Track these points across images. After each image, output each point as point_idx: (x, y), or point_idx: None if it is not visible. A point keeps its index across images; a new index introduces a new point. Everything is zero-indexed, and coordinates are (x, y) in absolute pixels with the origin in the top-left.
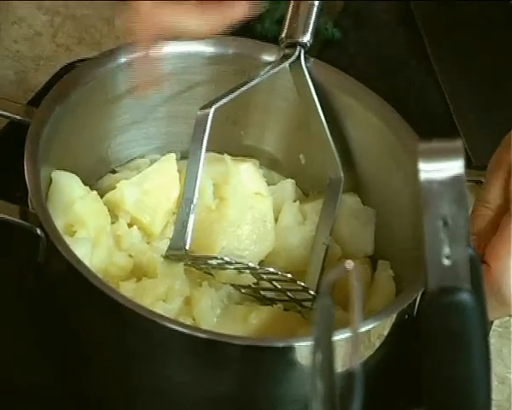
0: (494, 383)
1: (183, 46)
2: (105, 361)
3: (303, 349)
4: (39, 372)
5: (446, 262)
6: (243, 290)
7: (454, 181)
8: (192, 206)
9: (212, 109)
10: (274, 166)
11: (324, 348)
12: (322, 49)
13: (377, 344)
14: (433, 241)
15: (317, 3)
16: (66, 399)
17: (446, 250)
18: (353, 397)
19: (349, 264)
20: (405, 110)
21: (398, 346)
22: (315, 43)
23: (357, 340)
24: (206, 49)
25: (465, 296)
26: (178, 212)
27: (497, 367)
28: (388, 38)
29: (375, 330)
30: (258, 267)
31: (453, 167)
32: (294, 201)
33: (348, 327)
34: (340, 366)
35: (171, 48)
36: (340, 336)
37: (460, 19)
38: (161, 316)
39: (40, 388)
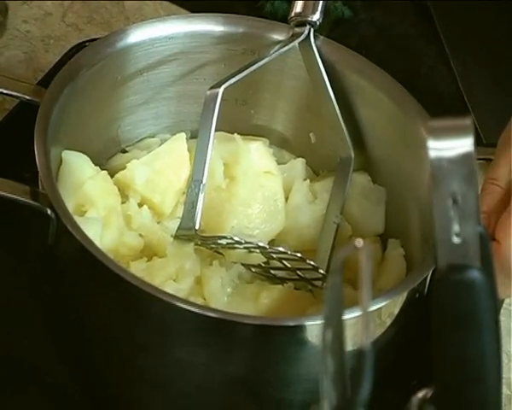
0: (504, 361)
1: (193, 25)
2: (115, 343)
3: (314, 328)
4: (47, 355)
5: (456, 240)
6: (253, 269)
7: (464, 159)
8: (201, 186)
9: (222, 89)
10: (284, 145)
11: (334, 326)
12: (332, 28)
13: (388, 323)
14: (443, 219)
15: None
16: (75, 382)
17: (456, 228)
18: (363, 376)
19: (359, 242)
20: (416, 89)
21: (410, 324)
22: (325, 22)
23: (366, 318)
24: (215, 28)
25: (475, 274)
26: (188, 192)
27: (506, 345)
28: (399, 17)
29: (386, 308)
30: (267, 247)
31: (463, 145)
32: (305, 179)
33: (358, 306)
34: (350, 345)
35: (180, 27)
36: (350, 315)
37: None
38: (171, 295)
39: (48, 371)
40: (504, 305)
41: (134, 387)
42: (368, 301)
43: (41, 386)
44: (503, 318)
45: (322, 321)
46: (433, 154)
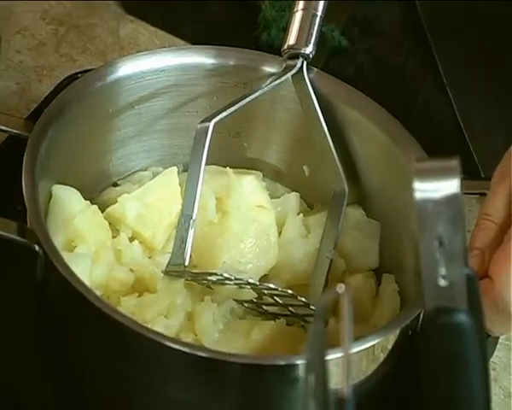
0: (500, 396)
1: (184, 58)
2: (105, 380)
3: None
4: (35, 391)
5: (442, 283)
6: (246, 305)
7: (450, 201)
8: (191, 221)
9: (212, 123)
10: (277, 177)
11: (317, 370)
12: (329, 58)
13: (381, 358)
14: (429, 261)
15: (320, 14)
16: None
17: (442, 271)
18: None
19: (340, 288)
20: (413, 119)
21: (403, 360)
22: (322, 52)
23: (347, 362)
24: (206, 60)
25: (462, 317)
26: (178, 227)
27: (503, 381)
28: (395, 47)
29: (379, 345)
30: (258, 283)
31: (449, 187)
32: (298, 213)
33: (339, 349)
34: (333, 387)
35: (172, 59)
36: (332, 357)
37: (468, 28)
38: (160, 335)
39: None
40: (501, 340)
41: None
42: (349, 343)
43: None
44: (500, 353)
45: (305, 366)
46: (419, 195)
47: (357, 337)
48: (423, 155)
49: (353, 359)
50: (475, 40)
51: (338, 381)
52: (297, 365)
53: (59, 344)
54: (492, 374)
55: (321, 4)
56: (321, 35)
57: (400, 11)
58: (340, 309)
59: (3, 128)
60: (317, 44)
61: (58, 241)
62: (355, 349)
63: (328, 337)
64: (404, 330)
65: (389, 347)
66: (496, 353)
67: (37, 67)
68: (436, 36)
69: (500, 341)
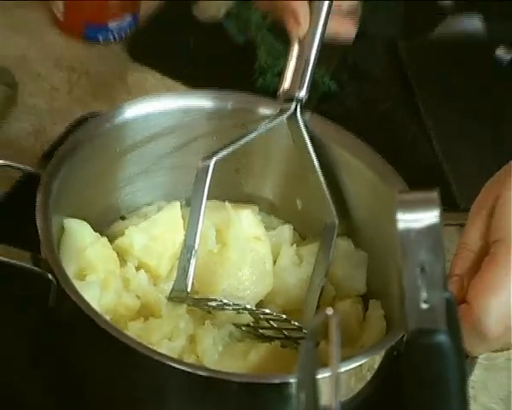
0: (477, 408)
1: (186, 101)
2: (113, 400)
3: None
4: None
5: (424, 306)
6: (243, 328)
7: (430, 230)
8: (193, 251)
9: (213, 161)
10: (272, 211)
11: (308, 388)
12: (320, 101)
13: (369, 377)
14: (412, 287)
15: (312, 61)
16: None
17: (424, 295)
18: None
19: (329, 311)
20: (398, 159)
21: (389, 379)
22: (313, 96)
23: (336, 380)
24: (206, 103)
25: (442, 338)
26: (180, 257)
27: (482, 398)
28: (382, 92)
29: (366, 364)
30: (254, 309)
31: (430, 217)
32: (292, 244)
33: (328, 368)
34: (322, 404)
35: (174, 103)
36: (322, 376)
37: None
38: (165, 356)
39: None
40: (479, 360)
41: None
42: (337, 363)
43: None
44: (478, 372)
45: (296, 384)
46: (401, 225)
47: (346, 357)
48: (406, 188)
49: (342, 377)
50: (457, 88)
51: (327, 398)
52: (290, 383)
53: (70, 368)
54: (472, 392)
55: (313, 52)
56: (313, 80)
57: (385, 57)
58: (329, 331)
59: (19, 166)
60: (310, 88)
61: (70, 270)
62: (343, 369)
63: (319, 358)
64: (389, 350)
65: (375, 366)
66: (475, 372)
67: (51, 111)
68: (419, 81)
69: (478, 361)
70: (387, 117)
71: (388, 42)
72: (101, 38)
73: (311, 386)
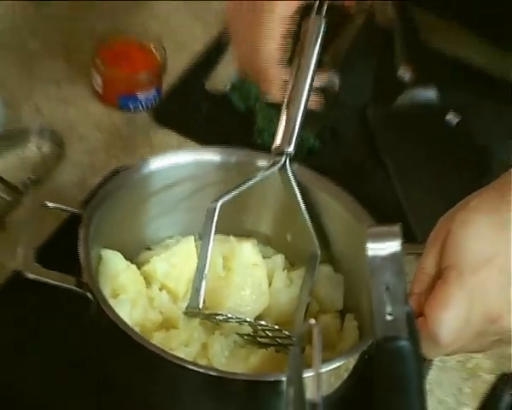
0: (434, 403)
1: (198, 156)
2: (141, 398)
3: None
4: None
5: (389, 318)
6: (245, 337)
7: (393, 257)
8: (204, 276)
9: (219, 204)
10: (268, 243)
11: (295, 384)
12: (306, 156)
13: (345, 376)
14: (379, 302)
15: (298, 123)
16: None
17: (389, 309)
18: None
19: (312, 321)
20: (368, 201)
21: (362, 377)
22: (300, 151)
23: (318, 378)
24: (215, 158)
25: (403, 344)
26: (194, 281)
27: (437, 392)
28: (355, 149)
29: (343, 366)
30: (253, 321)
31: (393, 246)
32: (283, 270)
33: (312, 368)
34: (307, 397)
35: (189, 157)
36: (307, 375)
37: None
38: (182, 359)
39: None
40: (434, 362)
41: None
42: (319, 364)
43: None
44: (433, 372)
45: (286, 381)
46: (370, 253)
47: (326, 360)
48: (374, 223)
49: (323, 376)
50: (413, 142)
51: (311, 393)
52: (282, 381)
53: (106, 373)
54: (428, 388)
55: (299, 117)
56: (300, 138)
57: (357, 121)
58: (313, 338)
59: (67, 208)
60: (297, 145)
61: (106, 291)
62: (324, 369)
63: (305, 360)
64: (361, 354)
65: (351, 367)
66: (431, 371)
67: (92, 165)
68: (383, 141)
69: (433, 362)
70: (359, 169)
71: (360, 110)
72: (131, 107)
73: (299, 383)
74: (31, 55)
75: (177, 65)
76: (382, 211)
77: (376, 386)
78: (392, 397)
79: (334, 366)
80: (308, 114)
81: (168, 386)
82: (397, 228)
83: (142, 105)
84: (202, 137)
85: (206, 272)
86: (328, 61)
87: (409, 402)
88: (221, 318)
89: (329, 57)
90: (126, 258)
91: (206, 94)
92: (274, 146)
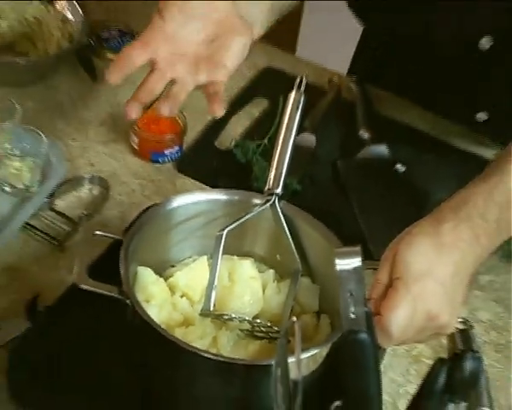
0: (387, 382)
1: (209, 196)
2: (165, 376)
3: None
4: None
5: (352, 316)
6: (245, 332)
7: (355, 271)
8: (214, 286)
9: (225, 232)
10: (262, 261)
11: (282, 367)
12: (291, 197)
13: (320, 361)
14: (345, 304)
15: (285, 172)
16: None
17: (352, 309)
18: (297, 393)
19: (294, 319)
20: (337, 230)
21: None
22: (287, 193)
23: (299, 363)
24: (222, 197)
25: (363, 336)
26: (206, 290)
27: (389, 373)
28: (328, 192)
29: (318, 353)
30: (251, 320)
31: (355, 262)
32: (274, 281)
33: (294, 355)
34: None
35: (202, 197)
36: (290, 360)
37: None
38: (197, 348)
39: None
40: (388, 350)
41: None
42: (299, 352)
43: None
44: (387, 357)
45: (275, 365)
46: (338, 267)
47: (305, 349)
48: (341, 245)
49: (302, 361)
50: (371, 186)
51: (294, 374)
52: (271, 364)
53: (142, 361)
54: (383, 370)
55: (285, 166)
56: (286, 183)
57: (329, 171)
58: (295, 332)
59: (111, 235)
60: (284, 188)
61: (140, 298)
62: (303, 356)
63: (289, 349)
64: (332, 345)
65: (324, 354)
66: (385, 357)
67: (130, 204)
68: (350, 186)
69: (387, 351)
70: (331, 206)
71: (331, 162)
72: (160, 160)
73: (284, 366)
74: (85, 122)
75: (194, 128)
76: (347, 236)
77: (343, 368)
78: (355, 376)
79: (311, 353)
80: (292, 165)
81: (187, 369)
82: (358, 249)
83: (168, 159)
84: (213, 182)
85: (215, 283)
86: (307, 125)
87: (368, 380)
88: (227, 317)
89: (308, 123)
90: (155, 273)
91: (216, 150)
92: (266, 188)
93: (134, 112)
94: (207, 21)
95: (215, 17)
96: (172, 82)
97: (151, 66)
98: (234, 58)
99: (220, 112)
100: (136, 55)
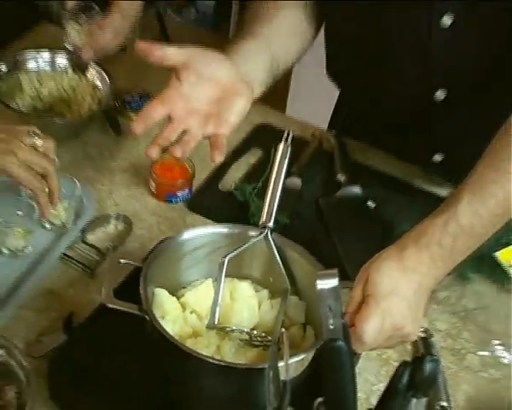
0: (362, 381)
1: (213, 229)
2: (178, 378)
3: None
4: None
5: (331, 327)
6: (244, 341)
7: (334, 290)
8: (218, 303)
9: (227, 259)
10: (258, 282)
11: (273, 370)
12: (281, 230)
13: (305, 365)
14: (325, 318)
15: (275, 209)
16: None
17: (331, 321)
18: (286, 391)
19: (283, 330)
20: (319, 256)
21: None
22: (278, 226)
23: (287, 366)
24: (224, 230)
25: (340, 343)
26: (212, 307)
27: (363, 374)
28: (313, 226)
29: (305, 358)
30: (249, 331)
31: (333, 282)
32: (268, 299)
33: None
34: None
35: (207, 230)
36: (280, 364)
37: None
38: (204, 355)
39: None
40: (362, 355)
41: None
42: (287, 358)
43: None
44: (361, 360)
45: (268, 368)
46: (319, 287)
47: (293, 355)
48: (322, 268)
49: (291, 365)
50: (349, 219)
51: (283, 375)
52: (265, 368)
53: (159, 366)
54: (358, 371)
55: (276, 204)
56: (277, 219)
57: (313, 208)
58: (284, 341)
59: (133, 263)
60: (275, 223)
61: (157, 314)
62: (290, 361)
63: (280, 355)
64: (316, 351)
65: (309, 359)
66: (360, 361)
67: (149, 237)
68: (330, 220)
69: (361, 355)
70: (314, 236)
71: (315, 201)
72: (173, 201)
73: (275, 369)
74: (111, 170)
75: (201, 174)
76: (328, 261)
77: (324, 370)
78: (334, 377)
79: (297, 358)
80: (281, 203)
81: (196, 373)
82: (335, 271)
83: (179, 199)
84: (217, 218)
85: (219, 301)
86: (294, 170)
87: (345, 380)
88: (229, 329)
89: (295, 168)
90: (169, 293)
91: (219, 192)
92: (260, 223)
93: (154, 153)
94: (216, 84)
95: (222, 81)
96: (185, 132)
97: (168, 119)
98: (236, 116)
99: (219, 158)
100: (155, 111)
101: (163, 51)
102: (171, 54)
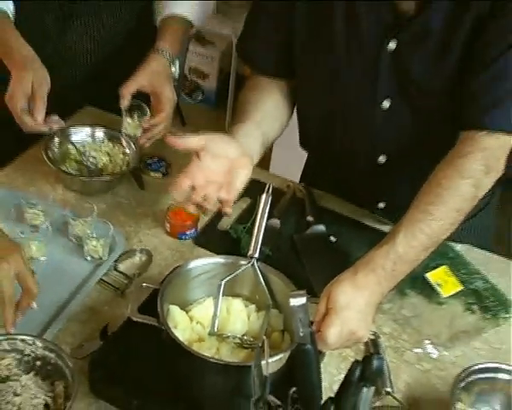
0: (326, 374)
1: (213, 259)
2: (186, 375)
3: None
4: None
5: (301, 334)
6: (237, 345)
7: (303, 306)
8: (217, 316)
9: (223, 282)
10: (247, 299)
11: (257, 367)
12: (265, 259)
13: (283, 362)
14: (296, 327)
15: (260, 243)
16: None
17: (301, 330)
18: (267, 383)
19: (264, 337)
20: (293, 278)
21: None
22: (262, 257)
23: (268, 364)
24: (221, 260)
25: (308, 347)
26: (212, 319)
27: (328, 367)
28: (288, 255)
29: (282, 357)
30: (241, 337)
31: (302, 300)
32: (255, 312)
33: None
34: (263, 374)
35: (209, 260)
36: (263, 363)
37: (315, 247)
38: (207, 356)
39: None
40: (327, 353)
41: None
42: (267, 358)
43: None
44: (326, 358)
45: (254, 365)
46: (291, 303)
47: (272, 354)
48: (295, 289)
49: (270, 364)
50: (317, 250)
51: (265, 371)
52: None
53: (174, 368)
54: (322, 366)
55: (260, 240)
56: (261, 251)
57: (289, 243)
58: (265, 345)
59: (153, 286)
60: (260, 254)
61: (171, 325)
62: (270, 360)
63: (263, 355)
64: (291, 352)
65: (286, 358)
66: (324, 358)
67: (165, 265)
68: (303, 250)
69: (325, 353)
70: (290, 265)
71: (290, 237)
72: (184, 238)
73: (259, 367)
74: (137, 215)
75: (204, 218)
76: (300, 283)
77: (297, 367)
78: (303, 372)
79: (276, 358)
80: (265, 239)
81: (200, 370)
82: (304, 292)
83: (188, 237)
84: (216, 251)
85: (218, 314)
86: (275, 213)
87: (312, 374)
88: (225, 336)
89: (275, 212)
90: (180, 309)
91: (218, 231)
92: (248, 254)
93: (189, 208)
94: (226, 160)
95: (231, 157)
96: (204, 196)
97: (191, 188)
98: (241, 183)
99: (230, 213)
100: (183, 182)
101: (186, 142)
102: (192, 142)
